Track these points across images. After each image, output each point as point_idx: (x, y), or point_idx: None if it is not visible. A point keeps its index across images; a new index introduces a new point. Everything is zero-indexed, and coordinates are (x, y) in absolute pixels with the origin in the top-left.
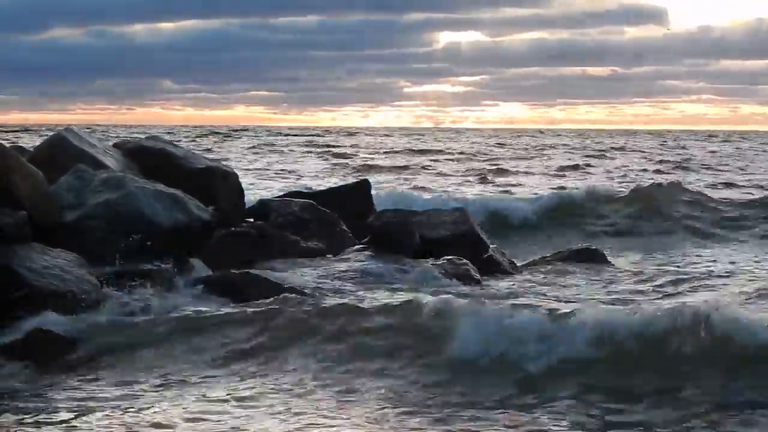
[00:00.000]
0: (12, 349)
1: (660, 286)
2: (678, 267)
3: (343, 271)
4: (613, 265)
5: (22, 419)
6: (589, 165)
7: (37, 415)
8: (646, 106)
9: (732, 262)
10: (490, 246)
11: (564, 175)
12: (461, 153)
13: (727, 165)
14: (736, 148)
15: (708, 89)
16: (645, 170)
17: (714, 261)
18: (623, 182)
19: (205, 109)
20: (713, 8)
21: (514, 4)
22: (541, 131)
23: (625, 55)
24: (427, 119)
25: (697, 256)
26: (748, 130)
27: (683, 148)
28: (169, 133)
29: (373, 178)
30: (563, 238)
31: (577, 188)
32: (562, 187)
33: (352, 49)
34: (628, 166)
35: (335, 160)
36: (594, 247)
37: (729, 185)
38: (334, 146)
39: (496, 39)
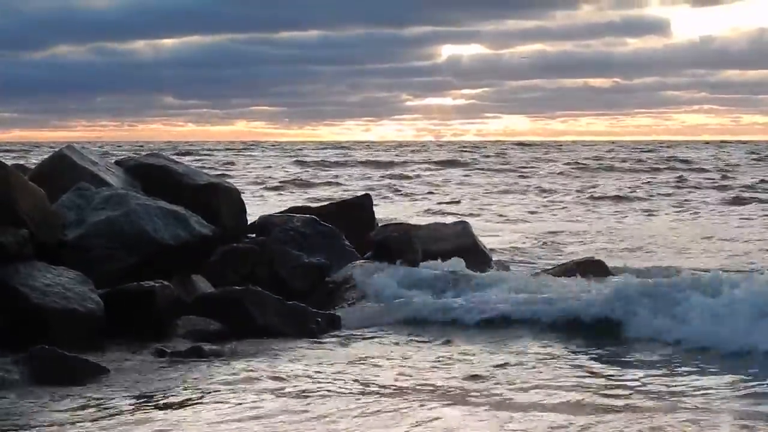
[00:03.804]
0: None
1: None
2: None
3: None
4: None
5: None
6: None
7: None
8: (647, 117)
9: None
10: (493, 260)
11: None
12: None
13: None
14: None
15: (709, 99)
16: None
17: None
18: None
19: (207, 125)
20: (715, 19)
21: (517, 17)
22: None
23: (627, 66)
24: (429, 132)
25: None
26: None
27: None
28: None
29: None
30: None
31: None
32: None
33: (353, 63)
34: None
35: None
36: (597, 259)
37: None
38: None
39: (498, 51)
